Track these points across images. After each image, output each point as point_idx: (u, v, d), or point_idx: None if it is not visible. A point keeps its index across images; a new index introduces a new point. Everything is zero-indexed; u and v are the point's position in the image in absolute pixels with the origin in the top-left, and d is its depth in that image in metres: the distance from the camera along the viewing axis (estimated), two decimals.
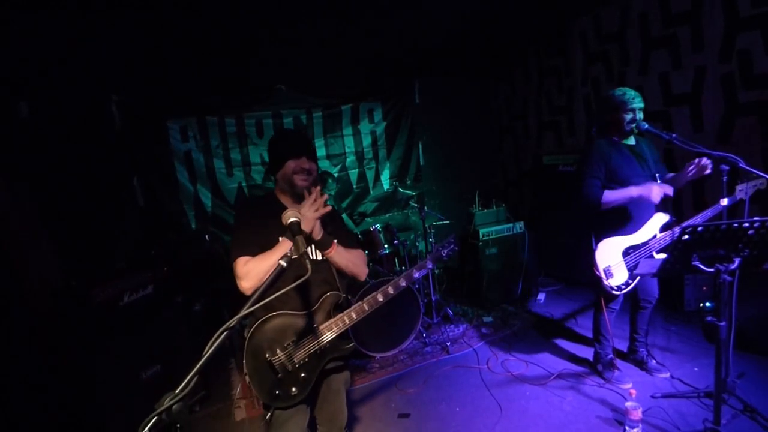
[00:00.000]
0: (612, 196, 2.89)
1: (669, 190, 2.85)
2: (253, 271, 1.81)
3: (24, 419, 2.94)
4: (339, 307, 2.03)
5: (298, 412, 1.96)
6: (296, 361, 1.89)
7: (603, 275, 2.90)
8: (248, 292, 1.81)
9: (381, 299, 2.06)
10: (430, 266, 2.26)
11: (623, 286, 2.91)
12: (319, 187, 1.94)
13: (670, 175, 3.02)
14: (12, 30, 3.28)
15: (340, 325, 1.97)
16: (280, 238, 1.91)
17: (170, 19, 3.60)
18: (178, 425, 1.11)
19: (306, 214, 1.81)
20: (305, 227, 1.78)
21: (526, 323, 4.47)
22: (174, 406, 1.08)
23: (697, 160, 2.77)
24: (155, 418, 1.06)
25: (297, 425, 1.97)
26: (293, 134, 2.49)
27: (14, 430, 2.88)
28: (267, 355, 1.86)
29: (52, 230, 3.92)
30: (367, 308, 2.01)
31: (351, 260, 2.10)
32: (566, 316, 4.53)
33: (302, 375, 1.91)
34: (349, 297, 2.10)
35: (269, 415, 1.94)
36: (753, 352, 3.31)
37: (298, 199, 2.04)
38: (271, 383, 1.87)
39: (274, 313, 1.90)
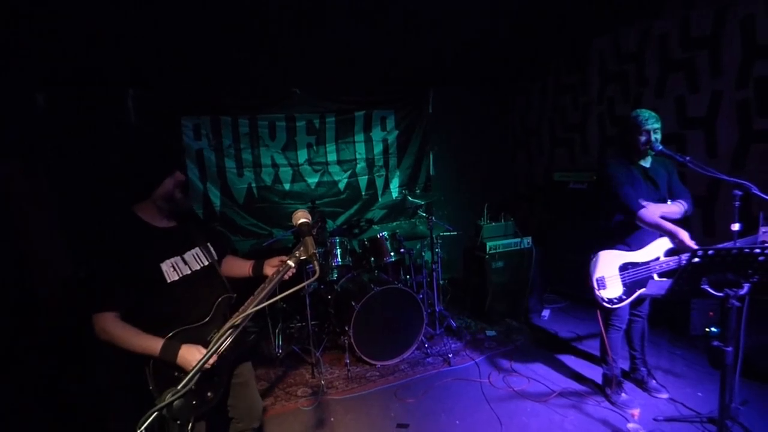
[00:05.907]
0: (650, 218, 2.78)
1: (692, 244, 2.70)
2: (114, 339, 1.73)
3: (38, 405, 2.98)
4: (232, 308, 2.01)
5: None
6: (207, 367, 1.81)
7: (595, 285, 2.91)
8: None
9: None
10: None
11: (616, 300, 2.90)
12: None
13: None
14: (30, 22, 3.33)
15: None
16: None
17: (190, 16, 3.64)
18: (178, 422, 1.11)
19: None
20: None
21: (529, 339, 4.44)
22: (175, 402, 1.08)
23: None
24: (155, 413, 1.05)
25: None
26: (161, 146, 2.22)
27: (30, 414, 2.92)
28: (176, 373, 1.72)
29: (64, 219, 3.96)
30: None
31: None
32: (570, 333, 4.49)
33: (214, 378, 1.90)
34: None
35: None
36: (758, 380, 3.25)
37: (175, 216, 2.00)
38: (188, 395, 1.81)
39: (172, 334, 1.80)
